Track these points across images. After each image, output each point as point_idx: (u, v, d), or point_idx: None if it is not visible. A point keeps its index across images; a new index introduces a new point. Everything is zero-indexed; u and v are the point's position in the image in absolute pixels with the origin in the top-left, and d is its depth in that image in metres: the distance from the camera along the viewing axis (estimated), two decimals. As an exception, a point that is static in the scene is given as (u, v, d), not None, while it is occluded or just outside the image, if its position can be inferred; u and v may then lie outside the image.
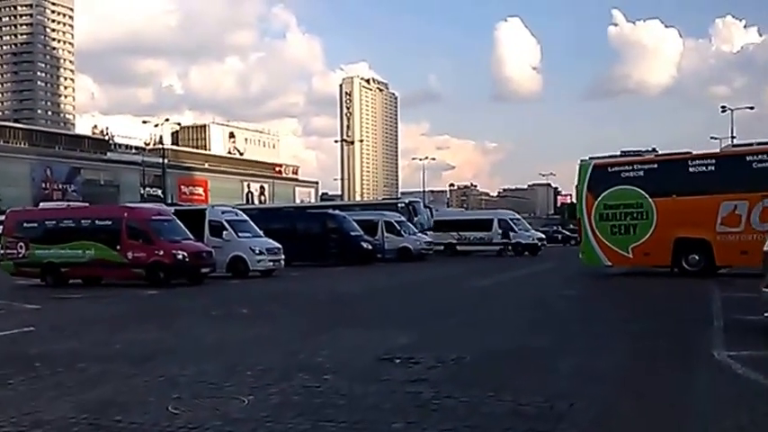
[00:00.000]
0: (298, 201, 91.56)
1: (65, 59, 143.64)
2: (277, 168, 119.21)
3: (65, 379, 6.30)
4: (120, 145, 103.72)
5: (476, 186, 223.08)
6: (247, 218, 22.74)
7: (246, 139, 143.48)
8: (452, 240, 35.30)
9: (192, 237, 19.14)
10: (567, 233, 54.07)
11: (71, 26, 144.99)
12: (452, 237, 35.45)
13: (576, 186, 19.02)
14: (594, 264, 18.43)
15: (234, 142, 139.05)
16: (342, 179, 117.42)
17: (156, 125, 74.16)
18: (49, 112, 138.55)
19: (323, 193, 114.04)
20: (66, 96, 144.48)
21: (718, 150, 20.26)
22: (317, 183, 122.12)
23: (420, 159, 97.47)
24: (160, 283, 17.33)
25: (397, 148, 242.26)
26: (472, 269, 24.11)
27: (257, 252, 20.77)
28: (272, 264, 21.04)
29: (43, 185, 73.71)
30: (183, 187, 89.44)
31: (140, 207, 22.84)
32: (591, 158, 20.51)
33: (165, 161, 68.78)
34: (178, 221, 19.47)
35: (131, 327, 10.20)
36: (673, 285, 15.38)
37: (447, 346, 7.69)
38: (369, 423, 4.70)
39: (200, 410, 5.03)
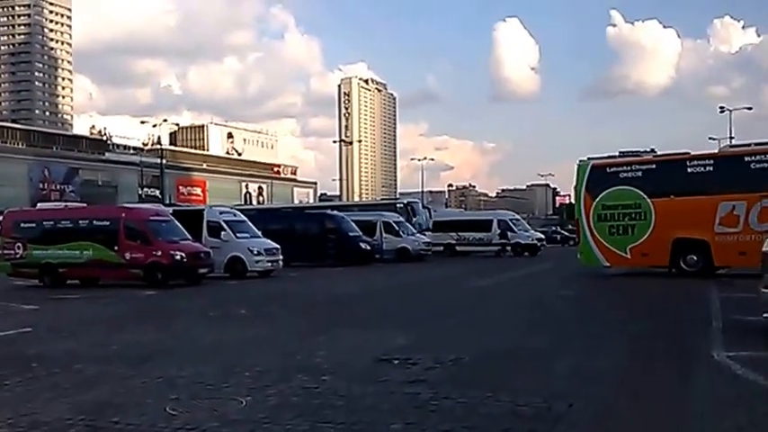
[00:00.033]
0: (296, 201, 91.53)
1: (63, 59, 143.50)
2: (275, 169, 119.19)
3: (62, 380, 6.28)
4: (118, 145, 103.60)
5: (474, 187, 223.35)
6: (245, 218, 22.71)
7: (245, 140, 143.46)
8: (452, 241, 35.27)
9: (189, 237, 19.12)
10: (566, 233, 54.06)
11: (69, 26, 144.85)
12: (452, 237, 35.42)
13: (575, 187, 19.03)
14: (593, 264, 18.43)
15: (232, 143, 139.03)
16: (340, 180, 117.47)
17: (155, 125, 74.19)
18: (47, 113, 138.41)
19: (321, 194, 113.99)
20: (63, 96, 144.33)
21: (716, 151, 20.23)
22: (315, 183, 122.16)
23: (418, 160, 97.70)
24: (158, 284, 17.30)
25: (395, 148, 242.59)
26: (471, 270, 24.11)
27: (255, 253, 20.75)
28: (270, 264, 21.02)
29: (41, 186, 73.61)
30: (181, 188, 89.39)
31: (138, 207, 22.82)
32: (589, 159, 20.49)
33: (164, 161, 68.77)
34: (176, 222, 19.46)
35: (129, 327, 10.18)
36: (671, 286, 15.38)
37: (445, 346, 7.68)
38: (367, 424, 4.69)
39: (197, 411, 5.02)
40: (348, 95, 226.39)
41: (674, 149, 18.46)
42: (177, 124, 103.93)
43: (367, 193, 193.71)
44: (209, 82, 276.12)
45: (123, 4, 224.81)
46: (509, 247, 34.25)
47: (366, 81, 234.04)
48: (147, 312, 12.81)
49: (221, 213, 22.32)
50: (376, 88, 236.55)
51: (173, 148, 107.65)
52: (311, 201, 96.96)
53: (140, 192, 72.09)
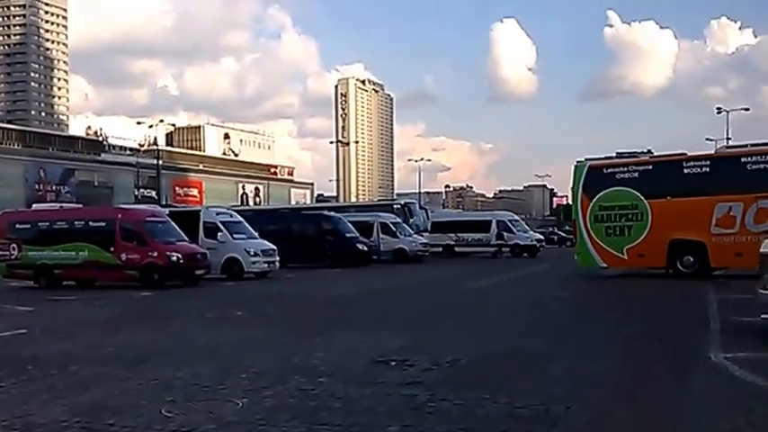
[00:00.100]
0: (293, 202, 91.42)
1: (58, 60, 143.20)
2: (272, 169, 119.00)
3: (57, 382, 6.25)
4: (114, 146, 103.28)
5: (471, 188, 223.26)
6: (242, 219, 22.69)
7: (241, 141, 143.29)
8: (450, 242, 35.24)
9: (186, 238, 19.09)
10: (563, 234, 54.11)
11: (65, 26, 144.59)
12: (450, 238, 35.37)
13: (572, 188, 19.04)
14: (590, 265, 18.44)
15: (229, 143, 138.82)
16: (337, 180, 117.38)
17: (151, 126, 73.91)
18: (43, 113, 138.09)
19: (318, 195, 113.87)
20: (59, 97, 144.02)
21: (712, 152, 20.27)
22: (312, 184, 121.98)
23: (416, 161, 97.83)
24: (154, 285, 17.26)
25: (392, 149, 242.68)
26: (468, 271, 24.10)
27: (252, 254, 20.71)
28: (266, 265, 20.98)
29: (37, 187, 73.32)
30: (177, 188, 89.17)
31: (134, 208, 22.77)
32: (586, 159, 20.51)
33: (160, 162, 68.58)
34: (172, 223, 19.43)
35: (125, 329, 10.14)
36: (668, 287, 15.39)
37: (442, 348, 7.66)
38: (364, 426, 4.67)
39: (193, 413, 5.00)
40: (345, 96, 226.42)
41: (671, 150, 18.50)
42: (174, 125, 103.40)
43: (364, 194, 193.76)
44: (205, 82, 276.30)
45: (119, 5, 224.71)
46: (509, 248, 34.23)
47: (363, 82, 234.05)
48: (143, 314, 12.77)
49: (218, 214, 22.27)
50: (373, 89, 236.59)
51: (169, 148, 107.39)
52: (308, 202, 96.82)
53: (136, 193, 71.95)
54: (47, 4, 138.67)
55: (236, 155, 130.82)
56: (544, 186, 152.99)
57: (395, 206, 37.60)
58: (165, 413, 5.00)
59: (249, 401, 5.31)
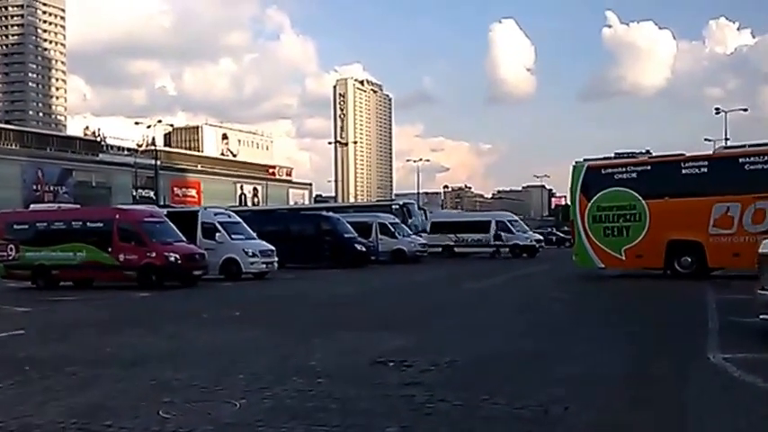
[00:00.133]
0: (291, 202, 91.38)
1: (56, 60, 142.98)
2: (270, 170, 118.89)
3: (54, 383, 6.22)
4: (112, 146, 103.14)
5: (470, 188, 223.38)
6: (240, 220, 22.67)
7: (240, 141, 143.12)
8: (450, 242, 35.19)
9: (184, 239, 19.06)
10: (562, 235, 54.08)
11: (63, 26, 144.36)
12: (450, 239, 35.31)
13: (570, 188, 19.03)
14: (588, 266, 18.43)
15: (227, 144, 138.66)
16: (336, 181, 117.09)
17: (149, 126, 73.85)
18: (41, 114, 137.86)
19: (317, 195, 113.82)
20: (57, 98, 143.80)
21: (710, 152, 20.27)
22: (310, 184, 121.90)
23: (414, 161, 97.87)
24: (152, 286, 17.23)
25: (391, 149, 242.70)
26: (467, 271, 24.10)
27: (250, 254, 20.68)
28: (265, 266, 20.95)
29: (34, 187, 73.21)
30: (175, 189, 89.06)
31: (132, 209, 22.73)
32: (585, 160, 20.52)
33: (158, 163, 68.53)
34: (170, 223, 19.39)
35: (122, 330, 10.11)
36: (666, 287, 15.39)
37: (441, 349, 7.65)
38: (362, 427, 4.65)
39: (191, 415, 4.98)
40: (344, 96, 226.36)
41: (669, 151, 18.48)
42: (172, 125, 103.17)
43: (362, 195, 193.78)
44: (204, 83, 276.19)
45: (118, 5, 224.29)
46: (506, 248, 34.20)
47: (362, 82, 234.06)
48: (140, 314, 12.74)
49: (216, 215, 22.23)
50: (371, 89, 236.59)
51: (167, 149, 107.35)
52: (306, 202, 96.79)
53: (134, 193, 71.83)
54: (45, 5, 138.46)
55: (235, 155, 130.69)
56: (543, 187, 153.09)
57: (393, 207, 37.58)
58: (163, 414, 4.97)
59: (247, 402, 5.29)
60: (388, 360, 6.85)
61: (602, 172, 18.64)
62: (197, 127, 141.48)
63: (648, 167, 18.39)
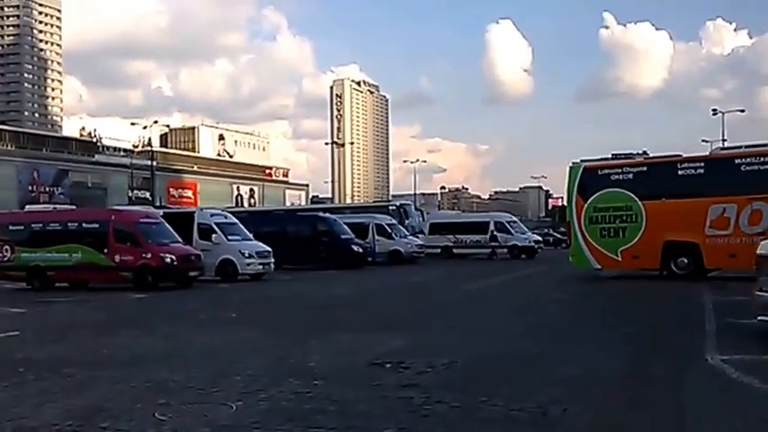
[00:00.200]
0: (288, 203, 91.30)
1: (52, 61, 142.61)
2: (267, 171, 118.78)
3: (50, 385, 6.19)
4: (108, 147, 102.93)
5: (467, 189, 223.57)
6: (237, 221, 22.61)
7: (236, 142, 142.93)
8: (449, 243, 35.16)
9: (180, 240, 19.01)
10: (559, 236, 54.10)
11: (59, 27, 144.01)
12: (449, 240, 35.27)
13: (567, 189, 19.04)
14: (584, 267, 18.44)
15: (223, 144, 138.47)
16: (332, 182, 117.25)
17: (145, 127, 73.68)
18: (37, 114, 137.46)
19: (313, 196, 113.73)
20: (53, 98, 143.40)
21: (706, 153, 20.32)
22: (307, 185, 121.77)
23: (411, 162, 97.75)
24: (148, 287, 17.18)
25: (388, 150, 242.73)
26: (464, 272, 24.09)
27: (247, 255, 20.64)
28: (261, 267, 20.91)
29: (30, 188, 73.00)
30: (171, 190, 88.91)
31: (128, 210, 22.67)
32: (581, 161, 20.53)
33: (154, 163, 68.44)
34: (166, 224, 19.34)
35: (118, 331, 10.07)
36: (663, 289, 15.41)
37: (438, 350, 7.63)
38: (359, 429, 4.64)
39: (187, 417, 4.96)
40: (340, 97, 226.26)
41: (666, 152, 18.51)
42: (168, 126, 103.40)
43: (359, 196, 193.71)
44: (200, 83, 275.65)
45: (114, 5, 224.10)
46: (504, 250, 34.19)
47: (358, 83, 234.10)
48: (136, 316, 12.70)
49: (212, 216, 22.20)
50: (368, 90, 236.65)
51: (163, 149, 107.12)
52: (303, 203, 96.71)
53: (130, 194, 71.60)
54: (41, 5, 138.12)
55: (231, 156, 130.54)
56: (540, 188, 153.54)
57: (390, 207, 37.61)
58: (159, 416, 4.95)
59: (243, 404, 5.27)
60: (386, 361, 6.83)
61: (599, 173, 18.65)
62: (193, 128, 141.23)
63: (645, 168, 18.42)
